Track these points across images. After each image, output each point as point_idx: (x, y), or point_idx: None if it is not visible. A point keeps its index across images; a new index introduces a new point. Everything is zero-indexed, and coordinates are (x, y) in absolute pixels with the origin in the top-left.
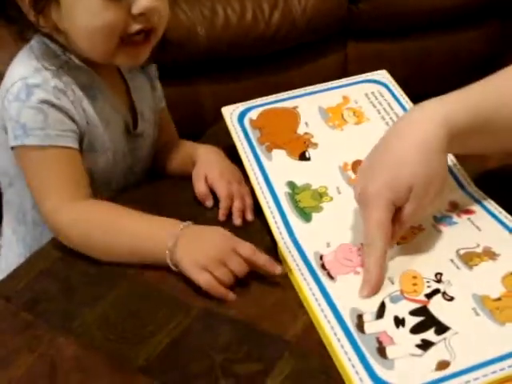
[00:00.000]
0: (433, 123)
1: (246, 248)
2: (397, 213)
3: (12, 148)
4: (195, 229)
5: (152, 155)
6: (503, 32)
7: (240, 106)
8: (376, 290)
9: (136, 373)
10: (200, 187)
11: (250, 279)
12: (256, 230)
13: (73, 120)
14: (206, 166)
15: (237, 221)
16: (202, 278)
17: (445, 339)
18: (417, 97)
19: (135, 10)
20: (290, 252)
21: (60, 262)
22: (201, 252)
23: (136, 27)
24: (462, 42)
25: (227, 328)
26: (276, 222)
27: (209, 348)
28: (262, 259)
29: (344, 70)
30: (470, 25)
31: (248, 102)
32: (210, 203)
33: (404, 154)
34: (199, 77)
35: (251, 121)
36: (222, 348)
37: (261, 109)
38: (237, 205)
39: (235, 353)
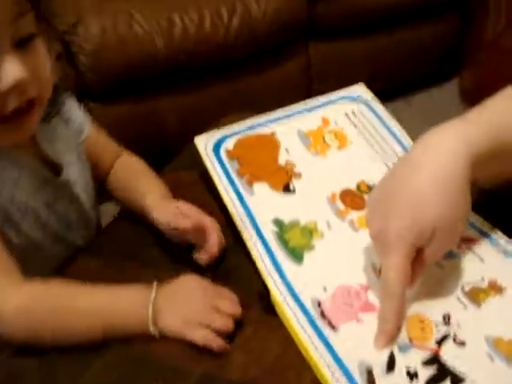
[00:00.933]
0: (454, 154)
1: (230, 292)
2: (417, 253)
3: None
4: (168, 287)
5: (92, 205)
6: (461, 26)
7: (214, 135)
8: (393, 340)
9: None
10: (186, 221)
11: (247, 330)
12: (245, 275)
13: None
14: (170, 203)
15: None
16: (198, 335)
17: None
18: (383, 92)
19: (2, 87)
20: (285, 300)
21: None
22: (187, 308)
23: (10, 106)
24: (422, 37)
25: None
26: (267, 268)
27: None
28: None
29: (307, 73)
30: (430, 20)
31: (222, 129)
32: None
33: (425, 191)
34: (159, 91)
35: (228, 151)
36: None
37: (236, 137)
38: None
39: None
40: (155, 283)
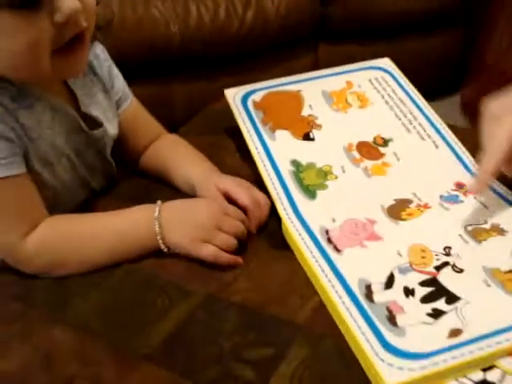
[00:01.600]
0: None
1: (236, 210)
2: None
3: None
4: (173, 204)
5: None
6: (466, 38)
7: (243, 89)
8: (484, 188)
9: (140, 360)
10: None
11: (253, 262)
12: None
13: (11, 141)
14: (211, 180)
15: (254, 230)
16: (205, 251)
17: (456, 308)
18: None
19: (59, 17)
20: (295, 228)
21: None
22: (192, 225)
23: (66, 37)
24: (429, 47)
25: (233, 314)
26: (281, 200)
27: (215, 335)
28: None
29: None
30: (437, 30)
31: (251, 84)
32: None
33: None
34: (171, 76)
35: (255, 102)
36: (230, 334)
37: (264, 91)
38: (262, 215)
39: (243, 338)
40: (159, 201)
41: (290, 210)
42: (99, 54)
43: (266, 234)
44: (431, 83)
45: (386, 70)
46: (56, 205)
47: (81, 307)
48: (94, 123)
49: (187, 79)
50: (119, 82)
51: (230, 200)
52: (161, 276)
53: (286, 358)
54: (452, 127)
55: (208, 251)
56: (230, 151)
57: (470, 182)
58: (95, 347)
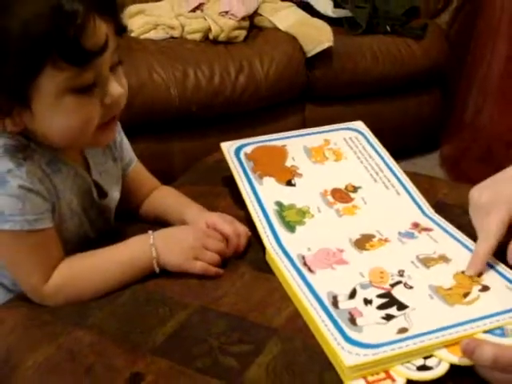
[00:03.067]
0: None
1: (216, 234)
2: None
3: None
4: (164, 232)
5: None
6: (443, 98)
7: (237, 142)
8: (480, 271)
9: (146, 353)
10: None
11: (239, 282)
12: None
13: (45, 199)
14: (201, 218)
15: (230, 254)
16: (198, 266)
17: (405, 314)
18: None
19: (109, 100)
20: (277, 254)
21: None
22: (184, 246)
23: (110, 115)
24: (408, 107)
25: (221, 320)
26: (266, 232)
27: (206, 335)
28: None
29: None
30: (414, 91)
31: (243, 139)
32: None
33: None
34: (171, 134)
35: (246, 154)
36: (218, 335)
37: (255, 145)
38: (240, 244)
39: (229, 338)
40: (150, 231)
41: (273, 240)
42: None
43: (250, 261)
44: (412, 141)
45: (358, 131)
46: None
47: (98, 317)
48: (101, 190)
49: (185, 137)
50: (127, 150)
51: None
52: (161, 293)
53: (263, 353)
54: (411, 174)
55: (199, 267)
56: (222, 197)
57: (467, 266)
58: (110, 344)
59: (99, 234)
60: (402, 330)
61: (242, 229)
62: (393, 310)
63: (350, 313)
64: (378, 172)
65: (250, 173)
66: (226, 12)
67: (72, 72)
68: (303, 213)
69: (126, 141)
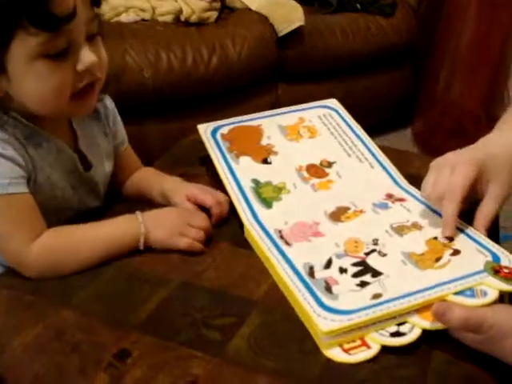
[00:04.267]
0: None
1: (200, 215)
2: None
3: None
4: (151, 212)
5: (107, 183)
6: (414, 74)
7: (213, 124)
8: (453, 231)
9: (131, 329)
10: (189, 207)
11: (219, 257)
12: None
13: (20, 166)
14: (181, 189)
15: (215, 223)
16: (183, 243)
17: (379, 280)
18: None
19: (80, 67)
20: (254, 229)
21: None
22: (169, 224)
23: (82, 83)
24: (380, 84)
25: (203, 295)
26: (243, 209)
27: (189, 309)
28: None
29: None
30: (387, 69)
31: (219, 121)
32: None
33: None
34: (145, 117)
35: (222, 135)
36: (200, 309)
37: (230, 126)
38: (223, 212)
39: (212, 311)
40: (138, 211)
41: (250, 217)
42: (108, 106)
43: (229, 237)
44: (384, 117)
45: (332, 109)
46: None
47: (82, 295)
48: (87, 163)
49: (159, 119)
50: (121, 129)
51: (197, 202)
52: (143, 270)
53: (245, 324)
54: (385, 148)
55: (184, 242)
56: (200, 177)
57: (442, 230)
58: (95, 323)
59: (87, 210)
60: (376, 296)
61: (222, 196)
62: (367, 278)
63: (325, 281)
64: (351, 147)
65: (226, 153)
66: None
67: (43, 37)
68: (279, 189)
69: (119, 120)
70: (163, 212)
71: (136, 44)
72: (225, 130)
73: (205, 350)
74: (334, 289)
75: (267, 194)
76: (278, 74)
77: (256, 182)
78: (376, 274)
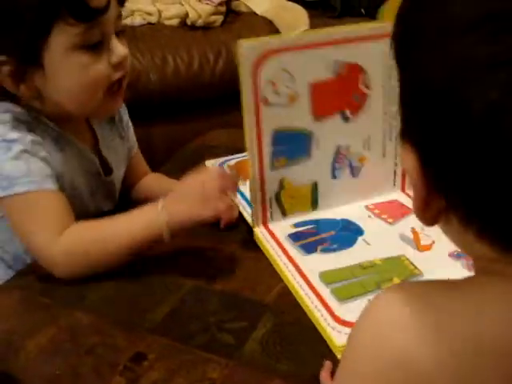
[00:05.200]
0: None
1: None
2: None
3: None
4: (170, 195)
5: (119, 188)
6: None
7: (220, 160)
8: None
9: (145, 332)
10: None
11: (229, 262)
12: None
13: (49, 165)
14: None
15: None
16: (207, 211)
17: None
18: None
19: (114, 59)
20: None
21: None
22: (191, 198)
23: (117, 75)
24: None
25: (215, 298)
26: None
27: (202, 313)
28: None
29: None
30: None
31: (225, 157)
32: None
33: None
34: (151, 120)
35: (229, 166)
36: (214, 312)
37: (235, 160)
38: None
39: (225, 315)
40: (160, 199)
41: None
42: (121, 110)
43: (238, 240)
44: None
45: None
46: None
47: (95, 298)
48: (107, 167)
49: (165, 122)
50: (132, 132)
51: None
52: (156, 273)
53: (257, 328)
54: None
55: (209, 210)
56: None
57: None
58: (110, 325)
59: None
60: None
61: (231, 201)
62: None
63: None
64: None
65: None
66: None
67: (80, 28)
68: None
69: (130, 123)
70: (183, 187)
71: (142, 47)
72: (231, 163)
73: (219, 353)
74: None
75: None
76: None
77: None
78: None
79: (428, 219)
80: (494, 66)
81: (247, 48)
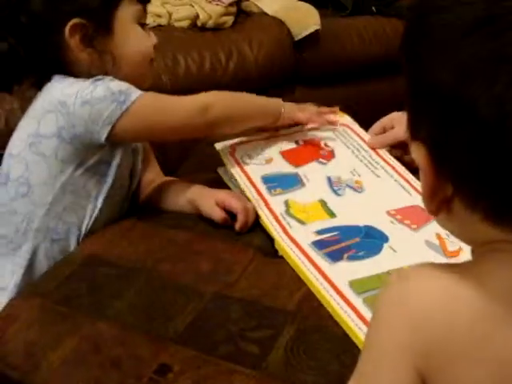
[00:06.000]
0: None
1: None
2: None
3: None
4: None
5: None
6: None
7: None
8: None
9: (169, 342)
10: (219, 213)
11: (249, 268)
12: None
13: None
14: (210, 195)
15: (238, 229)
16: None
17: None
18: None
19: (155, 40)
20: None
21: (83, 268)
22: None
23: (152, 55)
24: (397, 87)
25: (237, 306)
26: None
27: (225, 322)
28: None
29: None
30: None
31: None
32: (230, 223)
33: None
34: None
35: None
36: (236, 321)
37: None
38: (249, 219)
39: (247, 323)
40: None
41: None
42: None
43: (257, 246)
44: None
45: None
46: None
47: (117, 307)
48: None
49: None
50: None
51: (225, 207)
52: (175, 280)
53: (281, 336)
54: None
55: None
56: (222, 183)
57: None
58: (133, 335)
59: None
60: None
61: (250, 205)
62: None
63: None
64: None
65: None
66: None
67: (139, 7)
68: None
69: None
70: None
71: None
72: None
73: (244, 363)
74: None
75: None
76: (295, 77)
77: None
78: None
79: (433, 208)
80: (496, 60)
81: (219, 145)
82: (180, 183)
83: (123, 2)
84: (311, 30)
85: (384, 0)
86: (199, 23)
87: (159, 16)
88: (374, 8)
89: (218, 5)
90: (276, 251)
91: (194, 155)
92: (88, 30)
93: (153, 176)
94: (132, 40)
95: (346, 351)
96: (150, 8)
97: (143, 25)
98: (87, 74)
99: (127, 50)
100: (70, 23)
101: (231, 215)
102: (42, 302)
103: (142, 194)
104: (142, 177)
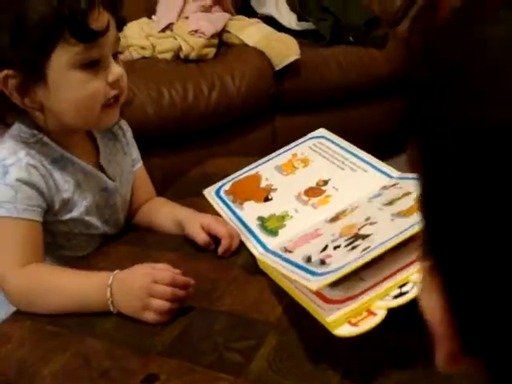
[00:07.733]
0: None
1: (164, 275)
2: None
3: None
4: (120, 276)
5: (126, 209)
6: (405, 107)
7: (215, 185)
8: None
9: (157, 355)
10: (203, 237)
11: (233, 285)
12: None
13: (42, 195)
14: (196, 219)
15: (221, 254)
16: (147, 318)
17: (368, 239)
18: None
19: (110, 78)
20: (267, 258)
21: None
22: (131, 296)
23: (112, 93)
24: (376, 113)
25: (222, 319)
26: (252, 243)
27: (210, 334)
28: (180, 280)
29: (273, 140)
30: (380, 100)
31: (220, 182)
32: (213, 247)
33: None
34: (148, 151)
35: (225, 191)
36: (221, 332)
37: (231, 182)
38: (233, 244)
39: (231, 335)
40: (116, 270)
41: (260, 248)
42: (123, 126)
43: (240, 265)
44: (379, 144)
45: (321, 137)
46: (71, 247)
47: (105, 324)
48: (108, 178)
49: (162, 153)
50: (135, 147)
51: (210, 232)
52: None
53: (263, 346)
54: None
55: (150, 317)
56: (208, 209)
57: None
58: (121, 349)
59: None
60: (365, 249)
61: (235, 231)
62: (358, 242)
63: (320, 259)
64: (343, 161)
65: (231, 204)
66: (196, 31)
67: (80, 48)
68: (282, 217)
69: (133, 140)
70: (128, 278)
71: (138, 81)
72: (227, 187)
73: (228, 371)
74: (328, 261)
75: (272, 226)
76: (276, 106)
77: (261, 218)
78: (366, 236)
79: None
80: None
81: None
82: (168, 205)
83: (56, 50)
84: (291, 59)
85: (361, 30)
86: (182, 55)
87: (143, 48)
88: (351, 38)
89: (200, 37)
90: (260, 270)
91: (182, 180)
92: (20, 80)
93: (146, 196)
94: (67, 88)
95: (326, 357)
96: (134, 41)
97: (115, 54)
98: (41, 121)
99: (64, 98)
100: (1, 75)
101: (216, 240)
102: (32, 323)
103: (134, 215)
104: (134, 199)
